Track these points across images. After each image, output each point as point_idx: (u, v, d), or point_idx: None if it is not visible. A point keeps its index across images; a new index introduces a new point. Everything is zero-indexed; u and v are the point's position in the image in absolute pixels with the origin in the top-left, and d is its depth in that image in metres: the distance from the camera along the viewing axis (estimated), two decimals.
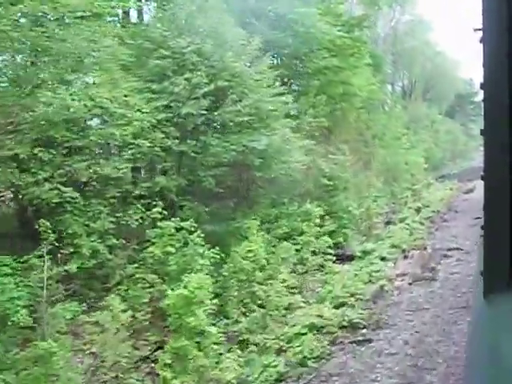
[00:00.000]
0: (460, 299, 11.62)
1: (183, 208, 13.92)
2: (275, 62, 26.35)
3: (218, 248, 13.53)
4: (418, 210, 24.62)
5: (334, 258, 18.15)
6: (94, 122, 13.79)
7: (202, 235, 13.06)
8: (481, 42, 2.06)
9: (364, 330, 10.61)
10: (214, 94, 14.28)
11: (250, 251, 13.31)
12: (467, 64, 64.18)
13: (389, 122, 41.10)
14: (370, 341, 10.01)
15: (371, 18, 46.55)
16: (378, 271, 14.39)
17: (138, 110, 13.12)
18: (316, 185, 19.80)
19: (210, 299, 11.86)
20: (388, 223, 22.44)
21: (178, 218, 12.74)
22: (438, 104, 57.22)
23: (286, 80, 27.11)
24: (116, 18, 17.26)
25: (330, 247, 18.58)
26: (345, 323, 10.85)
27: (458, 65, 60.94)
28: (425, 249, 17.09)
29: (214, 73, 14.47)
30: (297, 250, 16.38)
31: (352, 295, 12.46)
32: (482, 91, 2.20)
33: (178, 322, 10.31)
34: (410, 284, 13.50)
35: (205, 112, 13.86)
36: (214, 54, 14.60)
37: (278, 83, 16.78)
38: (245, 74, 14.63)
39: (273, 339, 10.43)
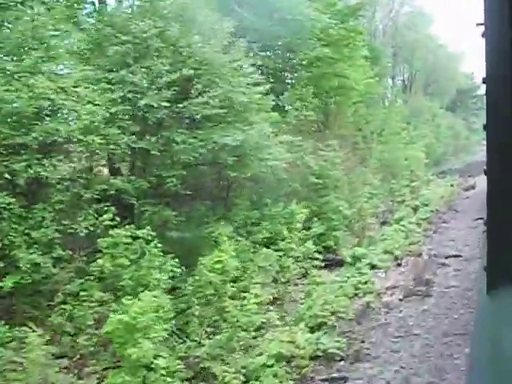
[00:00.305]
0: (457, 322, 9.69)
1: (145, 213, 12.09)
2: (264, 53, 24.58)
3: (189, 257, 11.90)
4: (415, 209, 22.72)
5: (323, 264, 16.40)
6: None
7: (160, 245, 11.33)
8: (483, 36, 1.96)
9: (341, 363, 8.72)
10: (180, 83, 12.42)
11: (219, 261, 11.46)
12: (469, 57, 62.25)
13: (388, 117, 39.12)
14: (345, 380, 8.12)
15: (369, 9, 44.67)
16: (365, 283, 12.50)
17: (90, 103, 11.28)
18: (303, 184, 17.93)
19: (167, 320, 10.14)
20: (384, 223, 20.58)
21: (133, 226, 10.96)
22: (440, 98, 55.07)
23: (274, 72, 25.34)
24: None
25: (318, 252, 16.79)
26: (319, 352, 8.97)
27: (460, 58, 58.74)
28: (420, 255, 15.20)
29: (181, 60, 12.63)
30: (279, 257, 14.59)
31: (333, 313, 10.60)
32: (484, 85, 2.07)
33: (120, 353, 8.54)
34: (400, 300, 11.58)
35: (168, 104, 11.99)
36: (180, 38, 12.74)
37: (256, 74, 14.84)
38: (215, 62, 12.73)
39: (233, 373, 8.57)
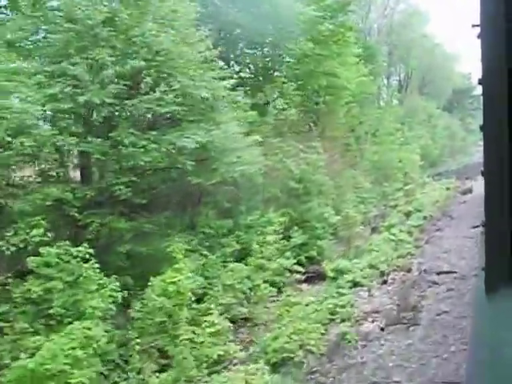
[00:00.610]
0: (447, 365, 7.78)
1: (90, 226, 10.30)
2: (251, 50, 22.83)
3: (146, 276, 10.18)
4: (408, 215, 20.93)
5: (304, 277, 14.68)
6: None
7: (109, 262, 9.68)
8: (478, 37, 2.06)
9: None
10: (130, 77, 10.68)
11: (172, 282, 9.71)
12: (465, 57, 60.60)
13: (383, 117, 37.37)
14: None
15: (363, 7, 42.92)
16: (344, 306, 10.70)
17: (21, 99, 9.54)
18: (284, 189, 16.16)
19: (104, 354, 8.43)
20: (374, 230, 18.80)
21: (68, 242, 9.22)
22: (436, 98, 53.21)
23: (263, 70, 23.61)
24: None
25: (300, 263, 15.07)
26: None
27: (456, 58, 56.86)
28: (409, 271, 13.41)
29: (133, 50, 10.89)
30: (253, 272, 12.84)
31: (302, 346, 8.81)
32: (480, 86, 2.12)
33: None
34: (381, 330, 9.75)
35: (115, 101, 10.25)
36: (133, 26, 10.98)
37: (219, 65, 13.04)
38: (173, 53, 10.96)
39: None
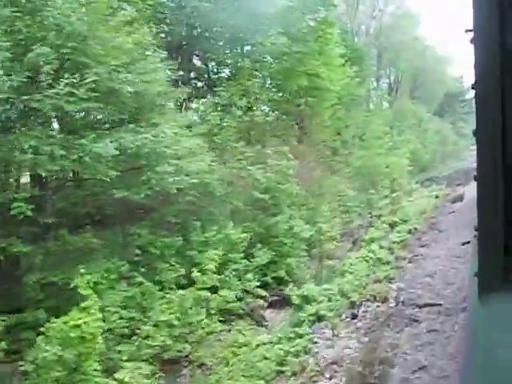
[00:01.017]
0: None
1: None
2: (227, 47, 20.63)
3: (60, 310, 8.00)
4: (393, 226, 18.72)
5: (267, 303, 12.51)
6: None
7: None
8: (471, 42, 1.90)
9: None
10: (34, 67, 8.43)
11: (76, 326, 7.45)
12: (457, 60, 58.79)
13: (371, 121, 35.19)
14: None
15: (352, 6, 40.84)
16: (299, 353, 8.43)
17: None
18: (248, 201, 13.90)
19: None
20: (354, 244, 16.61)
21: None
22: (427, 102, 51.11)
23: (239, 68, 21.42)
24: None
25: (266, 285, 12.95)
26: None
27: (448, 61, 54.65)
28: (385, 301, 11.08)
29: (41, 35, 8.65)
30: (203, 300, 10.60)
31: None
32: (473, 91, 1.94)
33: None
34: None
35: (13, 96, 8.01)
36: (41, 5, 8.74)
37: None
38: (88, 37, 8.72)
39: None
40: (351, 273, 12.73)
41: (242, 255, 12.67)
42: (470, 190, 26.16)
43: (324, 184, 22.71)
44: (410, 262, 13.52)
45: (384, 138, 34.22)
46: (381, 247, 14.91)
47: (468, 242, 14.45)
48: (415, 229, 17.42)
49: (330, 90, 27.81)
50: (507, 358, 1.68)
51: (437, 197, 25.51)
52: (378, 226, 19.11)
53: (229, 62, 18.98)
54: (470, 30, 1.89)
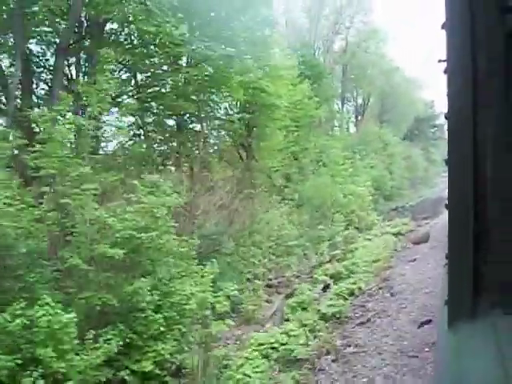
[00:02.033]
0: None
1: None
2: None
3: None
4: (336, 279, 13.68)
5: None
6: None
7: None
8: (445, 72, 1.92)
9: None
10: None
11: None
12: (427, 83, 55.10)
13: (332, 145, 30.51)
14: None
15: (313, 19, 36.45)
16: None
17: None
18: (94, 257, 8.70)
19: None
20: (271, 318, 11.46)
21: None
22: (396, 126, 46.69)
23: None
24: None
25: None
26: None
27: (417, 83, 50.49)
28: None
29: None
30: None
31: None
32: (447, 121, 1.96)
33: None
34: None
35: None
36: None
37: None
38: None
39: None
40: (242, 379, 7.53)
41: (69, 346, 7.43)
42: (438, 228, 21.25)
43: (258, 220, 17.71)
44: (335, 361, 8.22)
45: (345, 164, 29.57)
46: (303, 324, 9.74)
47: (429, 322, 9.44)
48: (359, 288, 12.27)
49: (279, 107, 23.00)
50: None
51: (399, 234, 20.55)
52: (317, 276, 14.09)
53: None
54: (444, 61, 1.87)
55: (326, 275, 14.14)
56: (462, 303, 1.89)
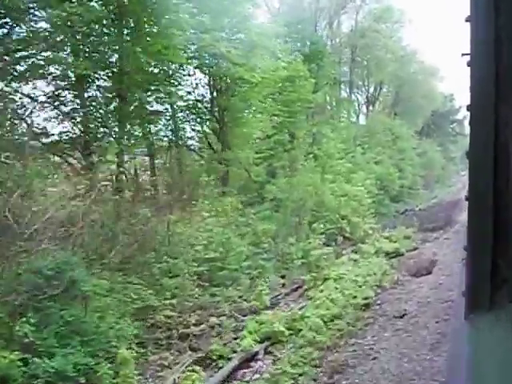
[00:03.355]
0: None
1: None
2: None
3: None
4: (270, 342, 7.73)
5: None
6: None
7: None
8: (468, 65, 1.80)
9: None
10: None
11: None
12: (447, 72, 48.06)
13: (326, 134, 24.29)
14: None
15: None
16: None
17: None
18: None
19: None
20: None
21: None
22: (411, 119, 39.81)
23: None
24: None
25: None
26: None
27: (436, 74, 43.37)
28: None
29: None
30: None
31: None
32: (468, 114, 1.84)
33: None
34: None
35: None
36: None
37: None
38: None
39: None
40: None
41: None
42: (449, 248, 14.89)
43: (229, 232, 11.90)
44: None
45: (342, 159, 23.34)
46: None
47: None
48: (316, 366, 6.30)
49: (251, 82, 17.28)
50: (494, 379, 1.58)
51: (396, 254, 14.37)
52: (244, 335, 8.11)
53: None
54: (467, 54, 1.80)
55: (257, 337, 8.13)
56: (479, 295, 1.77)
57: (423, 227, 19.55)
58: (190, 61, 15.53)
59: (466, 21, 1.78)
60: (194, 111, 18.54)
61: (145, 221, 9.60)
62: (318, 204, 18.91)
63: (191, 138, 20.12)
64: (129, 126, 13.72)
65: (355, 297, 9.57)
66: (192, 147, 20.48)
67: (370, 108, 38.15)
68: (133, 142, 13.91)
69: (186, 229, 11.25)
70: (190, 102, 18.10)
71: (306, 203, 18.11)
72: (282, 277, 12.78)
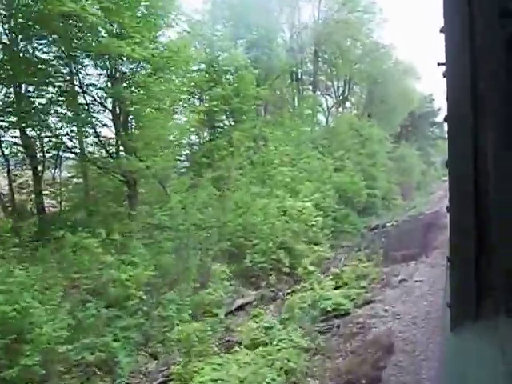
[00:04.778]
0: None
1: None
2: None
3: None
4: None
5: None
6: None
7: None
8: (444, 76, 1.78)
9: None
10: None
11: None
12: (424, 71, 42.58)
13: (268, 136, 18.37)
14: None
15: None
16: None
17: None
18: None
19: None
20: None
21: None
22: (386, 121, 33.78)
23: None
24: None
25: None
26: None
27: (414, 72, 37.57)
28: None
29: None
30: None
31: None
32: (446, 124, 1.78)
33: None
34: None
35: None
36: None
37: None
38: None
39: None
40: None
41: None
42: (422, 297, 8.88)
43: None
44: None
45: (286, 166, 17.40)
46: None
47: None
48: None
49: (133, 57, 11.15)
50: None
51: (335, 316, 8.37)
52: None
53: None
54: (443, 64, 1.77)
55: None
56: (465, 306, 1.73)
57: (390, 255, 13.53)
58: None
59: (441, 31, 1.70)
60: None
61: None
62: (247, 228, 12.91)
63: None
64: None
65: None
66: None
67: (340, 109, 32.29)
68: None
69: None
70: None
71: (224, 229, 12.18)
72: (155, 358, 6.82)
